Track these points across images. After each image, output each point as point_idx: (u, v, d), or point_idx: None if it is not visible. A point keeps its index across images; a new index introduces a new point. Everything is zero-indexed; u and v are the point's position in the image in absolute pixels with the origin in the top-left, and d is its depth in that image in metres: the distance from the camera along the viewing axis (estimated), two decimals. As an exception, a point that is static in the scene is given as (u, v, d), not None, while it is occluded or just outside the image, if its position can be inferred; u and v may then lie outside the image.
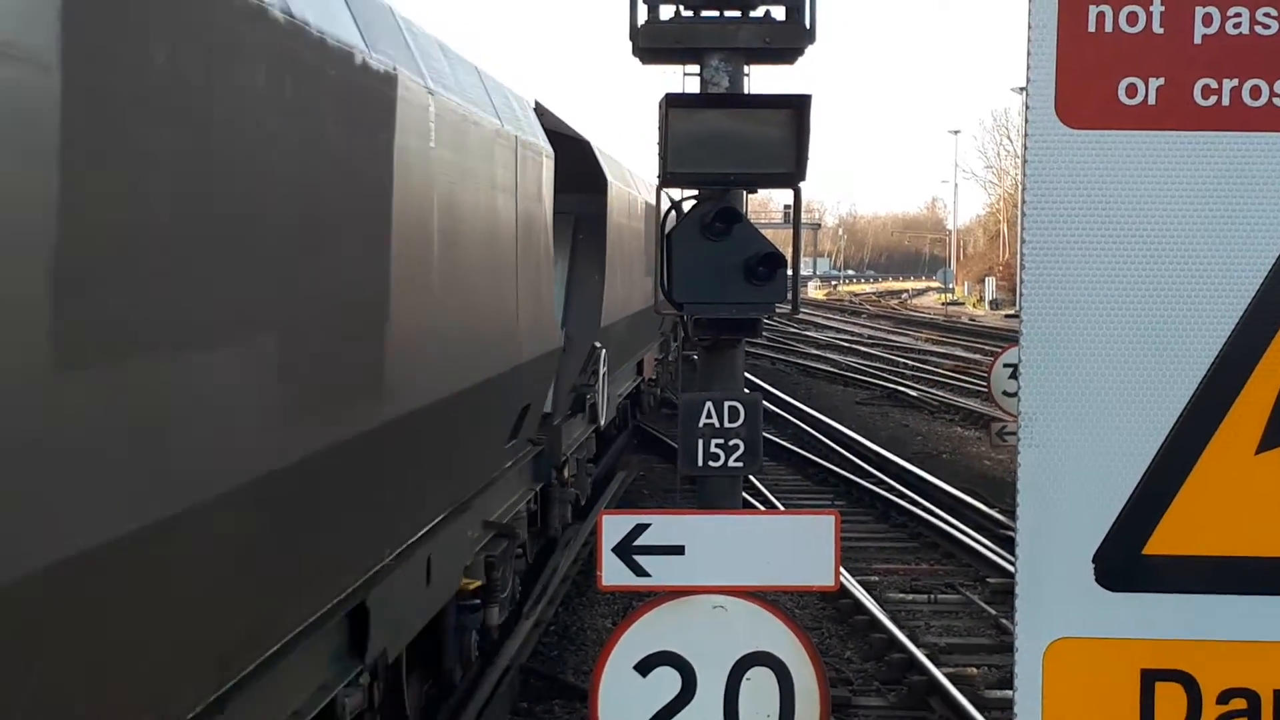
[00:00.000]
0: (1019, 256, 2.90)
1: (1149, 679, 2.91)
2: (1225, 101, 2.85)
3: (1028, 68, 2.85)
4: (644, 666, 5.10)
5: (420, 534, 7.65)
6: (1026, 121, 2.87)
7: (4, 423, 3.42)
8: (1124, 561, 2.90)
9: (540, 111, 12.15)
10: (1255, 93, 2.84)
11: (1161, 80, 2.86)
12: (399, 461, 6.96)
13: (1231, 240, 2.86)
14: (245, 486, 4.87)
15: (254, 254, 4.92)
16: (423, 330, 7.08)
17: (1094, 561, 2.91)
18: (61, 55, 3.53)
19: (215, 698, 4.86)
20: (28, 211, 3.47)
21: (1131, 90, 2.86)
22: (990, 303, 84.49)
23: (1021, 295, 2.90)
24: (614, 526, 5.14)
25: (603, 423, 16.48)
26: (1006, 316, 69.13)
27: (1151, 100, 2.86)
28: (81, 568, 3.79)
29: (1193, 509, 2.87)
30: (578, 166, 13.85)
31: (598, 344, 14.91)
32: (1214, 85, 2.85)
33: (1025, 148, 2.88)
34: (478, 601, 9.61)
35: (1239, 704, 2.89)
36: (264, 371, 5.03)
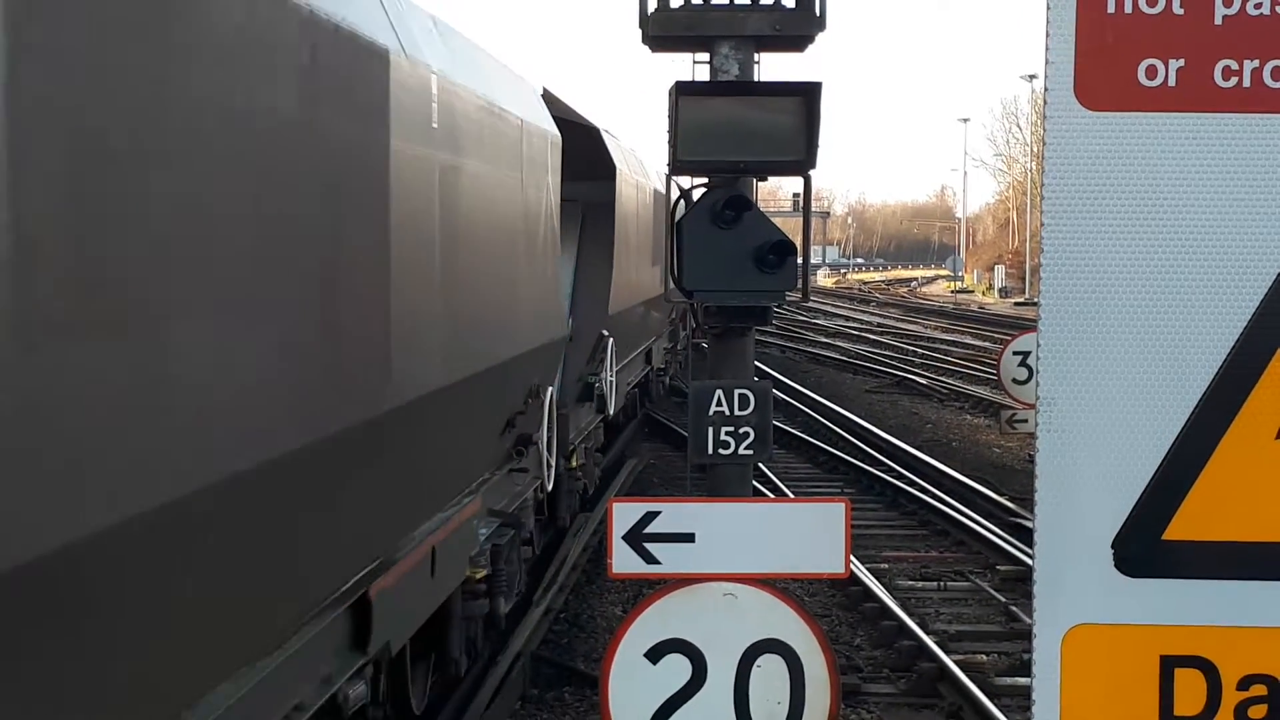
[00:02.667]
0: (1039, 240, 2.87)
1: (1168, 665, 2.88)
2: (1246, 83, 2.82)
3: (1046, 49, 2.82)
4: (654, 654, 5.08)
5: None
6: (1045, 104, 2.84)
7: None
8: (1143, 547, 2.87)
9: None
10: (1276, 74, 2.81)
11: (1182, 62, 2.83)
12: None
13: (1252, 223, 2.83)
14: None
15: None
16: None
17: (1113, 547, 2.88)
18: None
19: None
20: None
21: (1151, 72, 2.83)
22: (1000, 290, 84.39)
23: (1041, 279, 2.87)
24: (624, 514, 5.13)
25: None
26: (1016, 304, 69.04)
27: (1171, 82, 2.83)
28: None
29: (1213, 494, 2.85)
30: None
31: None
32: (1235, 67, 2.82)
33: (1044, 130, 2.85)
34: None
35: (1259, 690, 2.86)
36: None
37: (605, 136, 15.35)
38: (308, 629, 5.79)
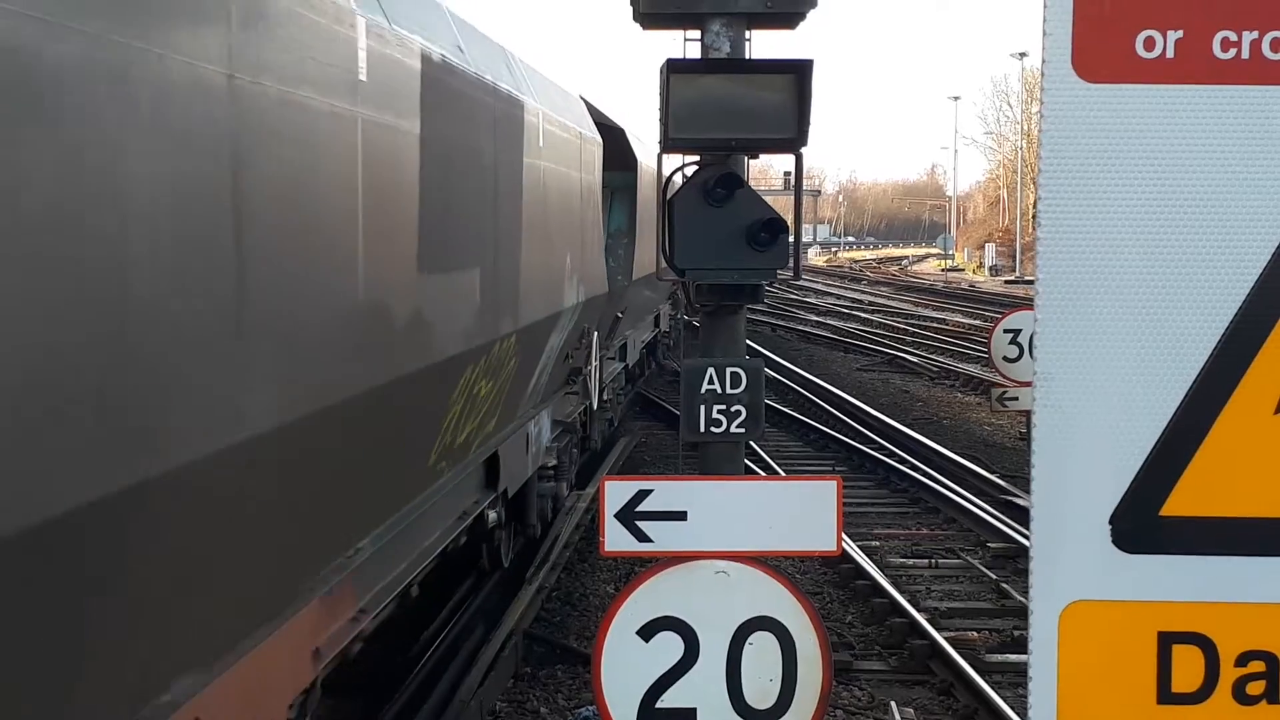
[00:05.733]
0: (1036, 214, 2.84)
1: (1166, 641, 2.87)
2: (1245, 54, 2.79)
3: (1044, 20, 2.79)
4: (647, 631, 5.08)
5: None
6: (1042, 76, 2.81)
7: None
8: (1141, 523, 2.85)
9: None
10: (1276, 45, 2.78)
11: (1180, 33, 2.80)
12: None
13: (1251, 196, 2.81)
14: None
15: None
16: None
17: (1110, 523, 2.86)
18: None
19: None
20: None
21: (1149, 43, 2.80)
22: (990, 269, 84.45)
23: (1037, 253, 2.84)
24: (616, 492, 5.12)
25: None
26: (1006, 282, 69.10)
27: (1170, 53, 2.80)
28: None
29: (1210, 470, 2.82)
30: None
31: None
32: (1233, 38, 2.79)
33: (1041, 103, 2.82)
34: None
35: (1257, 666, 2.85)
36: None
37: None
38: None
